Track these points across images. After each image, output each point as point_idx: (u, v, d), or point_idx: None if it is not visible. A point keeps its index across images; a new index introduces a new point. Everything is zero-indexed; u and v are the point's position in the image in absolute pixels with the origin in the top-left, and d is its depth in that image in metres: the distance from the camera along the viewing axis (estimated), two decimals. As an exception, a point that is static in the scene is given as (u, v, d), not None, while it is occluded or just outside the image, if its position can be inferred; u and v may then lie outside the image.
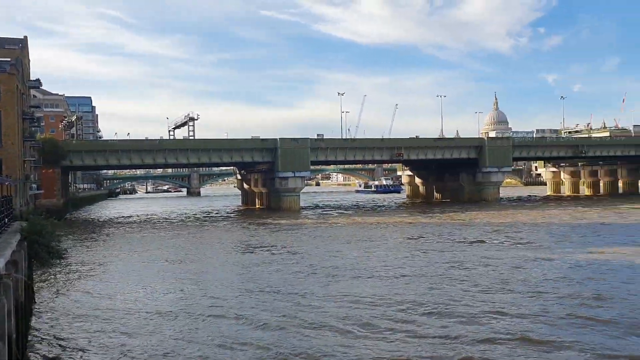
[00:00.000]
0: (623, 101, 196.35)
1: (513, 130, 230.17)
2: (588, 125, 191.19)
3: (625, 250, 32.84)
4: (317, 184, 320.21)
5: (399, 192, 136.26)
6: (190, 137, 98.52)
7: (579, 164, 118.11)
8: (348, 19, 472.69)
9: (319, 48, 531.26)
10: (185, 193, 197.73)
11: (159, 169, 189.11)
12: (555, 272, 26.63)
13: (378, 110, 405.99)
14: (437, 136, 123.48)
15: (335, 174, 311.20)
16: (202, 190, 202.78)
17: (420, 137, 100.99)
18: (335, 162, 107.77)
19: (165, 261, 34.16)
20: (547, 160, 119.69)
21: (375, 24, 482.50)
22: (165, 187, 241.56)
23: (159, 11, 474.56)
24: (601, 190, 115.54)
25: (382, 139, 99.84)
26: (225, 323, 18.68)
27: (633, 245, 35.22)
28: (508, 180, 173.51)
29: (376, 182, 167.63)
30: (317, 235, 46.45)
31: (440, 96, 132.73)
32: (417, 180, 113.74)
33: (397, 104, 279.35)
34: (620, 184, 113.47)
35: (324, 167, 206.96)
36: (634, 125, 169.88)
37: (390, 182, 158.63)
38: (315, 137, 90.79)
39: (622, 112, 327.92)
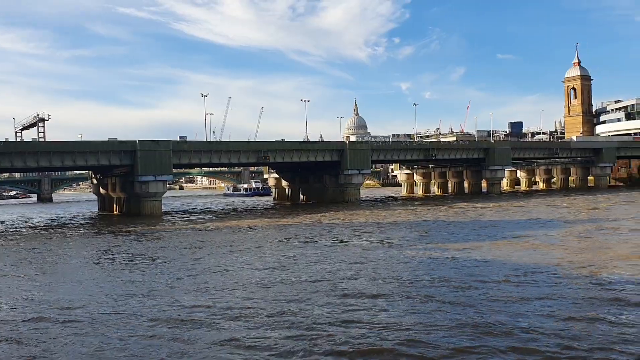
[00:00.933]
0: (468, 108, 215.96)
1: (372, 134, 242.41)
2: (437, 130, 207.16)
3: (470, 245, 36.07)
4: (181, 188, 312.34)
5: (269, 195, 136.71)
6: (41, 139, 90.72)
7: (430, 166, 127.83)
8: (211, 20, 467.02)
9: (181, 48, 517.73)
10: (35, 199, 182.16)
11: (4, 174, 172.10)
12: (417, 265, 28.52)
13: (244, 113, 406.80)
14: (302, 139, 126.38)
15: (200, 177, 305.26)
16: (55, 196, 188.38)
17: (285, 140, 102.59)
18: (199, 165, 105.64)
19: (12, 276, 31.14)
20: (402, 162, 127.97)
21: (239, 27, 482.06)
22: (12, 193, 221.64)
23: (5, 2, 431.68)
24: (449, 191, 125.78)
25: (248, 142, 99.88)
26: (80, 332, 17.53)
27: (476, 240, 38.80)
28: (368, 182, 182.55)
29: (245, 185, 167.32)
30: (179, 242, 45.19)
31: (305, 101, 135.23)
32: (284, 183, 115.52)
33: (262, 107, 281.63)
34: (465, 184, 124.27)
35: (188, 170, 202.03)
36: (477, 131, 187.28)
37: (260, 184, 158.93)
38: (178, 139, 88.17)
39: (467, 118, 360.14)
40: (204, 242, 44.03)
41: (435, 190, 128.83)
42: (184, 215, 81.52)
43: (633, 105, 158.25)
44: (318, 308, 20.14)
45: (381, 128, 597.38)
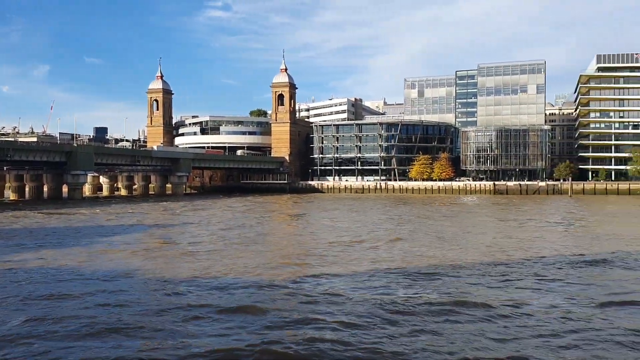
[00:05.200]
0: (51, 109, 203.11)
1: None
2: (15, 128, 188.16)
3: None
4: None
5: None
6: None
7: (5, 168, 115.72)
8: None
9: None
10: None
11: None
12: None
13: None
14: None
15: None
16: None
17: None
18: None
19: None
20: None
21: None
22: None
23: None
24: (27, 195, 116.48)
25: None
26: None
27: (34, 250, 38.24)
28: None
29: None
30: None
31: None
32: None
33: None
34: (45, 188, 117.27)
35: None
36: (60, 133, 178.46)
37: None
38: None
39: (50, 119, 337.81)
40: None
41: (10, 195, 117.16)
42: None
43: (207, 121, 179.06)
44: None
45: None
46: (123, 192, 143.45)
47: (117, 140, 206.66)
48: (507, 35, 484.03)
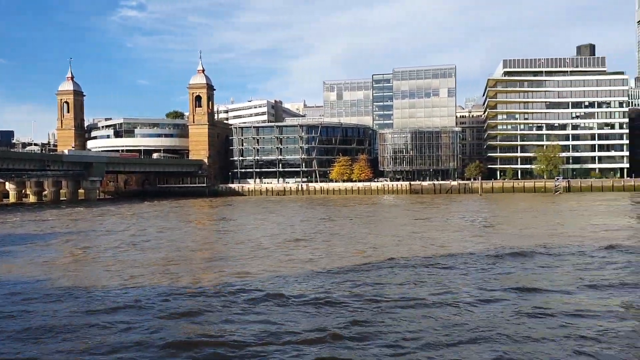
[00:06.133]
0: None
1: None
2: None
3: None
4: None
5: None
6: None
7: None
8: None
9: None
10: None
11: None
12: None
13: None
14: None
15: None
16: None
17: None
18: None
19: None
20: None
21: None
22: None
23: None
24: None
25: None
26: None
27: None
28: None
29: None
30: None
31: None
32: None
33: None
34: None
35: None
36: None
37: None
38: None
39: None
40: None
41: None
42: None
43: (121, 123, 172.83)
44: None
45: None
46: (32, 198, 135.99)
47: (24, 145, 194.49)
48: (422, 41, 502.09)
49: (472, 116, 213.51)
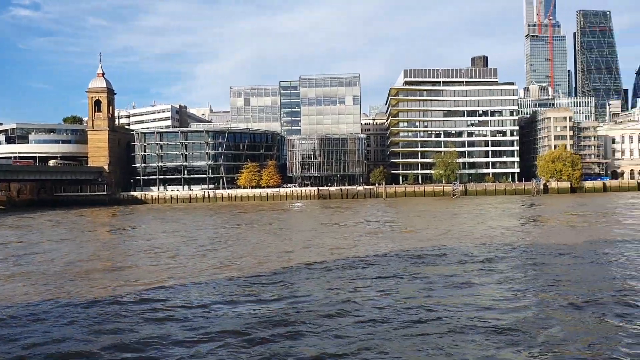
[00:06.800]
0: None
1: None
2: None
3: None
4: None
5: None
6: None
7: None
8: None
9: None
10: None
11: None
12: None
13: None
14: None
15: None
16: None
17: None
18: None
19: None
20: None
21: None
22: None
23: None
24: None
25: None
26: None
27: None
28: None
29: None
30: None
31: None
32: None
33: None
34: None
35: None
36: None
37: None
38: None
39: None
40: None
41: None
42: None
43: (14, 129, 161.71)
44: None
45: None
46: None
47: None
48: (329, 48, 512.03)
49: (376, 123, 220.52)
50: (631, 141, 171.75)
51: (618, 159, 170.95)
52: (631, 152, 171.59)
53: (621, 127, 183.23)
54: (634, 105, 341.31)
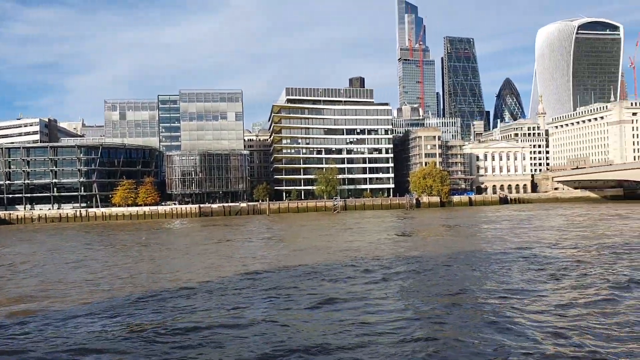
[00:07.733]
0: None
1: None
2: None
3: None
4: None
5: None
6: None
7: None
8: None
9: None
10: None
11: None
12: None
13: None
14: None
15: None
16: None
17: None
18: None
19: None
20: None
21: None
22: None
23: None
24: None
25: None
26: None
27: None
28: None
29: None
30: None
31: None
32: None
33: None
34: None
35: None
36: None
37: None
38: None
39: None
40: None
41: None
42: None
43: None
44: None
45: None
46: None
47: None
48: (213, 64, 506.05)
49: (260, 140, 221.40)
50: (493, 159, 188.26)
51: (482, 175, 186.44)
52: (493, 169, 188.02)
53: (484, 145, 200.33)
54: (495, 126, 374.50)
